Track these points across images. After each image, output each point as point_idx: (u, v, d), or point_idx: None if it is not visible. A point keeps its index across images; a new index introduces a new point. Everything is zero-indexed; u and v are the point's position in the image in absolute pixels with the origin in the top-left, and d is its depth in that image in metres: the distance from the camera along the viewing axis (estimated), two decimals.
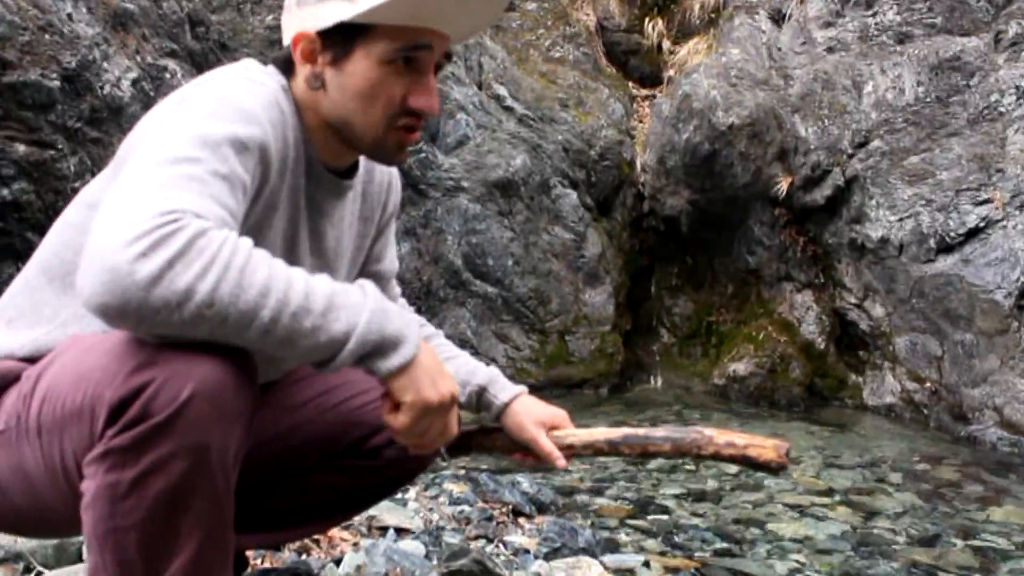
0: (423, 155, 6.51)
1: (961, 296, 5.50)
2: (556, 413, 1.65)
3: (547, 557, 2.62)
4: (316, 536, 2.34)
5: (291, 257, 1.15)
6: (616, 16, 8.42)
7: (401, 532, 2.62)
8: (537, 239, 6.80)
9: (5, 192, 4.37)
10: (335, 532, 2.44)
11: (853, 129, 6.25)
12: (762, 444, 1.43)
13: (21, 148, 4.41)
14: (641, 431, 1.50)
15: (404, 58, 1.34)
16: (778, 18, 7.20)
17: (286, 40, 1.40)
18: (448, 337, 1.80)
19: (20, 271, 1.43)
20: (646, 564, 2.81)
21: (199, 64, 5.54)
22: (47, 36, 4.52)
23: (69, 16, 4.67)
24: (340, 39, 1.34)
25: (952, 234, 5.59)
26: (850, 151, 6.24)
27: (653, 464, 4.22)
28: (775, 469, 1.43)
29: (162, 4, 5.38)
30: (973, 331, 5.46)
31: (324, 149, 1.42)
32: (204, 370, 1.07)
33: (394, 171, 1.71)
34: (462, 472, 3.60)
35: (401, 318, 1.21)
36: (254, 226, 1.30)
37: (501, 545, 2.71)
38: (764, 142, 6.63)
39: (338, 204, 1.50)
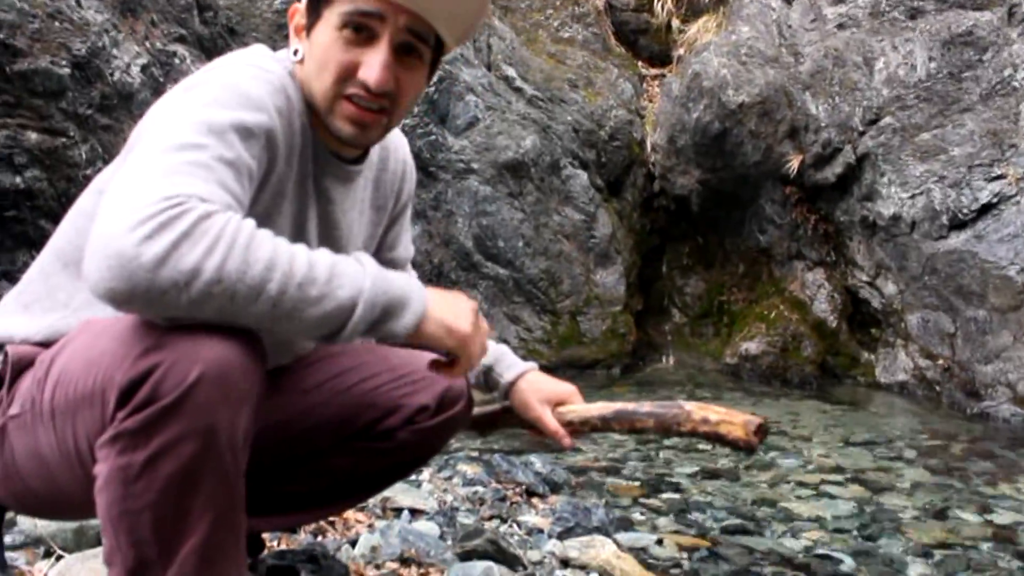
0: (433, 137, 6.51)
1: (974, 272, 5.48)
2: (564, 389, 1.66)
3: (561, 536, 2.64)
4: (331, 518, 2.36)
5: (300, 243, 1.15)
6: None
7: (415, 513, 2.64)
8: (548, 220, 6.80)
9: (18, 180, 4.39)
10: (350, 514, 2.46)
11: (864, 106, 6.21)
12: (732, 421, 1.41)
13: (33, 136, 4.43)
14: (630, 406, 1.51)
15: (355, 26, 1.31)
16: None
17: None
18: None
19: (33, 258, 1.45)
20: (659, 542, 2.83)
21: (208, 49, 5.54)
22: (56, 23, 4.53)
23: (78, 3, 4.68)
24: (313, 7, 1.35)
25: (965, 210, 5.56)
26: (861, 128, 6.21)
27: (667, 443, 4.23)
28: (743, 448, 1.41)
29: None
30: (986, 307, 5.44)
31: (330, 134, 1.42)
32: (211, 352, 1.08)
33: (408, 159, 1.71)
34: (476, 453, 3.63)
35: (400, 278, 1.22)
36: (263, 213, 1.31)
37: (515, 525, 2.73)
38: (774, 120, 6.60)
39: (346, 190, 1.50)
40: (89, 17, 4.71)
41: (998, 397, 5.35)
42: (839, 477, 3.86)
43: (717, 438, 1.43)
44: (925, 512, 3.40)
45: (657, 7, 8.25)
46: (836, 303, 6.62)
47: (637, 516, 3.18)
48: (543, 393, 1.63)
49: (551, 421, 1.55)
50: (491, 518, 2.77)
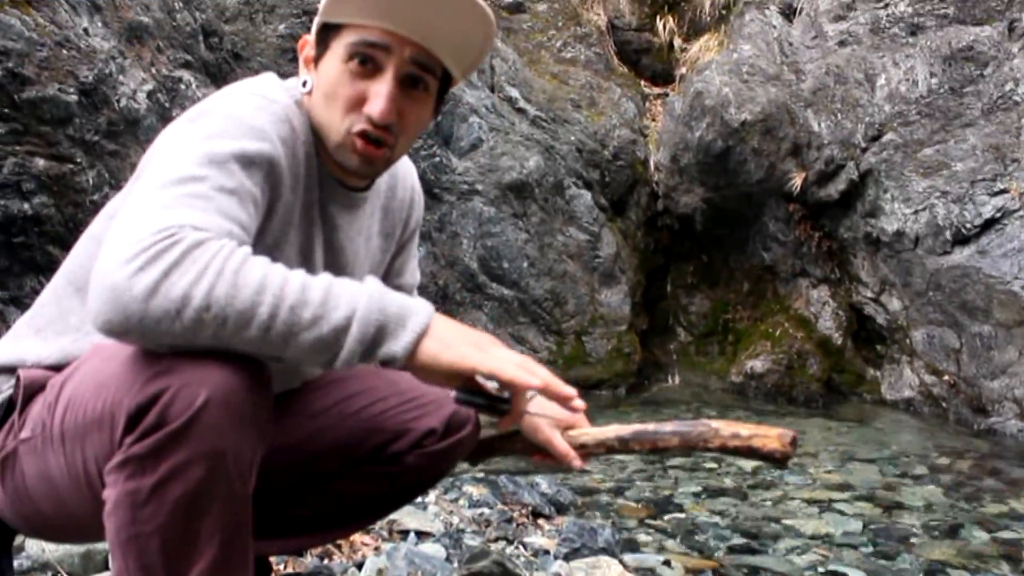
0: (437, 159, 6.54)
1: (978, 288, 5.48)
2: (581, 404, 1.65)
3: (567, 557, 2.64)
4: (338, 541, 2.37)
5: (306, 271, 1.16)
6: (627, 15, 8.42)
7: (422, 535, 2.64)
8: (552, 240, 6.82)
9: (26, 206, 4.43)
10: (357, 536, 2.47)
11: (866, 122, 6.24)
12: (766, 434, 1.40)
13: (41, 162, 4.47)
14: (651, 426, 1.48)
15: (361, 57, 1.33)
16: (789, 13, 7.20)
17: None
18: None
19: (41, 283, 1.47)
20: (666, 563, 2.82)
21: (213, 74, 5.59)
22: (64, 51, 4.57)
23: (85, 31, 4.73)
24: (321, 39, 1.37)
25: (968, 225, 5.57)
26: (864, 145, 6.23)
27: (672, 462, 4.23)
28: (779, 459, 1.40)
29: (176, 16, 5.44)
30: (991, 323, 5.44)
31: (334, 162, 1.44)
32: (218, 377, 1.10)
33: (417, 187, 1.72)
34: (481, 475, 3.63)
35: (405, 298, 1.18)
36: (272, 243, 1.33)
37: (521, 546, 2.73)
38: (777, 138, 6.62)
39: (352, 217, 1.52)
40: (96, 44, 4.76)
41: (1005, 413, 5.34)
42: (846, 495, 3.85)
43: (750, 451, 1.41)
44: (933, 529, 3.39)
45: (659, 26, 8.31)
46: (841, 320, 6.62)
47: (643, 537, 3.18)
48: (552, 416, 1.60)
49: (561, 443, 1.52)
50: (497, 540, 2.77)
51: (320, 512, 1.65)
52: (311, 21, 1.44)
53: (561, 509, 3.33)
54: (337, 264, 1.49)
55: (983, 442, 5.18)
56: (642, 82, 8.24)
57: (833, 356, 6.56)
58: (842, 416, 5.97)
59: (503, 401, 1.25)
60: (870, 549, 3.12)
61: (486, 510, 3.07)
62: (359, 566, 2.22)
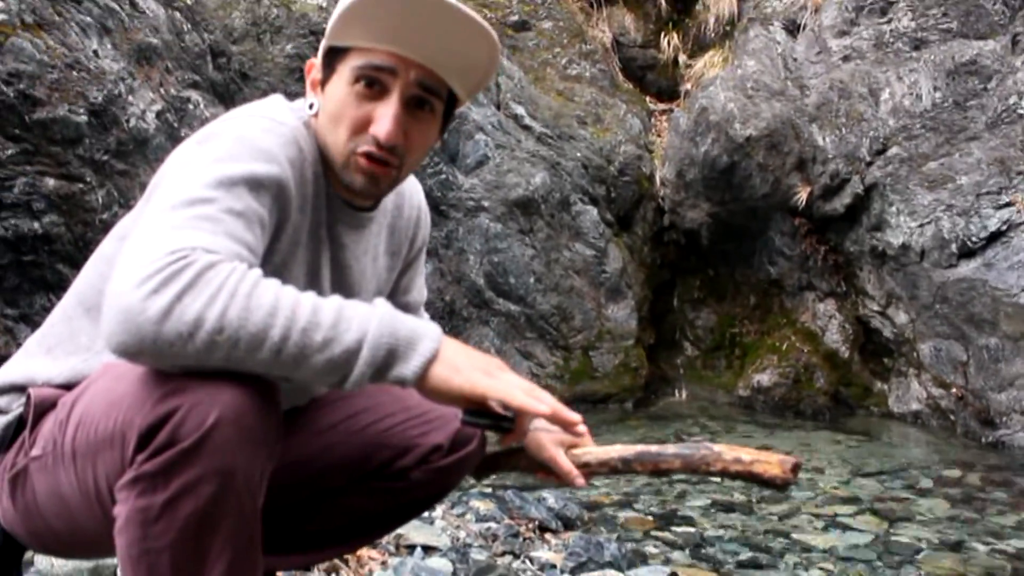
0: (443, 176, 6.58)
1: (984, 300, 5.48)
2: (585, 429, 1.66)
3: (573, 572, 2.65)
4: (345, 556, 2.38)
5: (313, 290, 1.17)
6: (631, 32, 8.47)
7: (428, 550, 2.66)
8: (558, 256, 6.84)
9: (36, 225, 4.47)
10: (364, 551, 2.48)
11: (871, 136, 6.26)
12: (768, 460, 1.41)
13: (51, 182, 4.52)
14: (653, 448, 1.49)
15: (368, 80, 1.35)
16: (793, 28, 7.23)
17: None
18: None
19: (51, 302, 1.50)
20: None
21: (221, 95, 5.64)
22: (74, 73, 4.63)
23: (95, 52, 4.79)
24: (328, 62, 1.40)
25: (974, 238, 5.57)
26: (868, 159, 6.25)
27: (679, 476, 4.23)
28: (780, 485, 1.41)
29: (184, 37, 5.49)
30: (998, 335, 5.44)
31: (341, 183, 1.47)
32: (228, 396, 1.11)
33: (423, 206, 1.73)
34: (489, 490, 3.64)
35: (416, 321, 1.19)
36: (280, 263, 1.35)
37: (528, 561, 2.74)
38: (782, 153, 6.64)
39: (359, 237, 1.54)
40: (105, 66, 4.81)
41: (1013, 425, 5.32)
42: (853, 508, 3.85)
43: (751, 476, 1.42)
44: (940, 543, 3.39)
45: (663, 43, 8.35)
46: (848, 333, 6.62)
47: (651, 550, 3.19)
48: (555, 435, 1.58)
49: (565, 461, 1.52)
50: (504, 554, 2.78)
51: (328, 527, 1.66)
52: (318, 41, 1.46)
53: (568, 523, 3.34)
54: (344, 283, 1.51)
55: (991, 454, 5.17)
56: (647, 98, 8.27)
57: (840, 369, 6.56)
58: (849, 429, 5.96)
59: (507, 420, 1.27)
60: (877, 563, 3.12)
61: (493, 524, 3.08)
62: None
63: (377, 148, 1.36)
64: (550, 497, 3.47)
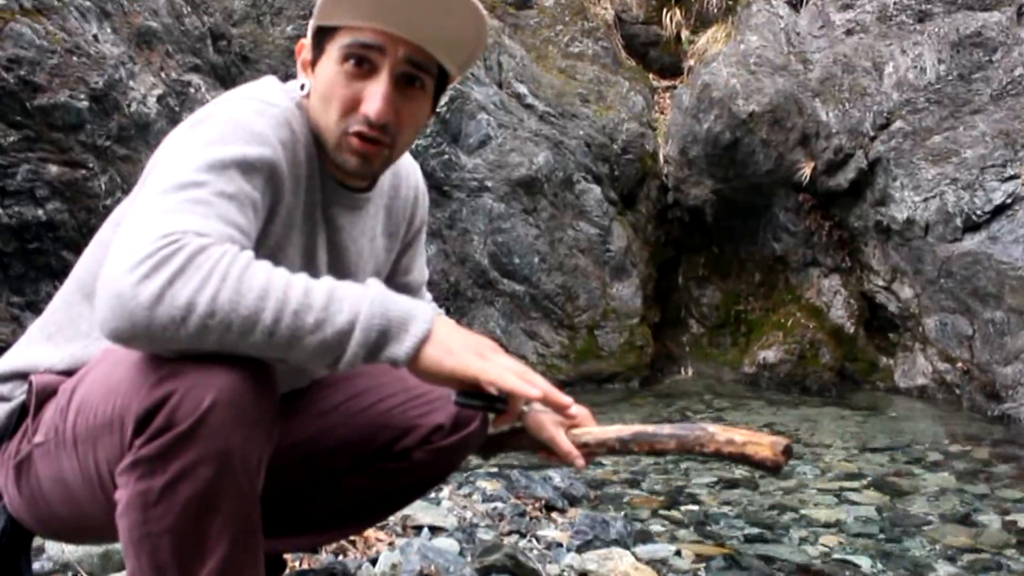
0: (446, 156, 6.57)
1: (989, 274, 5.46)
2: (577, 411, 1.66)
3: (579, 550, 2.66)
4: (352, 537, 2.40)
5: (310, 272, 1.17)
6: (634, 8, 8.42)
7: (435, 530, 2.67)
8: (562, 235, 6.83)
9: (40, 212, 4.48)
10: (370, 532, 2.50)
11: (875, 111, 6.22)
12: (760, 442, 1.41)
13: (53, 169, 4.52)
14: (650, 428, 1.50)
15: (356, 58, 1.35)
16: (796, 2, 7.18)
17: None
18: None
19: (56, 288, 1.50)
20: (678, 553, 2.84)
21: (222, 77, 5.63)
22: (75, 58, 4.62)
23: (95, 37, 4.77)
24: (316, 42, 1.40)
25: (978, 212, 5.55)
26: (872, 133, 6.21)
27: (687, 455, 4.23)
28: (771, 468, 1.41)
29: (184, 20, 5.47)
30: (1003, 308, 5.43)
31: (335, 163, 1.46)
32: (224, 379, 1.12)
33: (421, 186, 1.73)
34: (495, 470, 3.65)
35: (409, 301, 1.19)
36: (275, 245, 1.35)
37: (534, 539, 2.75)
38: (785, 128, 6.61)
39: (355, 218, 1.54)
40: (106, 51, 4.80)
41: (1019, 398, 5.32)
42: (859, 483, 3.85)
43: (743, 458, 1.43)
44: (947, 516, 3.39)
45: (666, 19, 8.30)
46: (853, 309, 6.62)
47: (657, 528, 3.20)
48: (557, 415, 1.61)
49: (565, 442, 1.53)
50: (510, 533, 2.79)
51: (332, 509, 1.68)
52: None
53: (574, 502, 3.35)
54: (341, 265, 1.51)
55: (997, 428, 5.17)
56: (650, 75, 8.23)
57: (845, 345, 6.55)
58: (855, 404, 5.97)
59: (500, 401, 1.28)
60: (883, 537, 3.13)
61: (499, 504, 3.09)
62: (373, 561, 2.25)
63: (368, 127, 1.35)
64: (556, 476, 3.48)
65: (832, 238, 6.75)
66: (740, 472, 3.92)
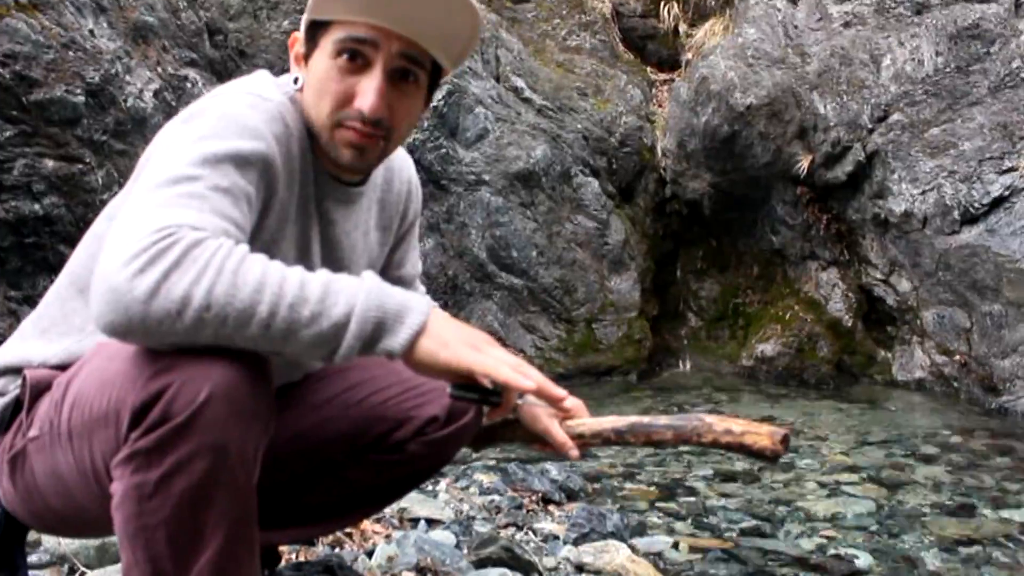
0: (443, 150, 6.56)
1: (988, 267, 5.46)
2: (572, 403, 1.66)
3: (576, 542, 2.67)
4: (348, 529, 2.40)
5: (304, 267, 1.17)
6: (631, 2, 8.40)
7: (432, 523, 2.68)
8: (560, 229, 6.83)
9: (37, 207, 4.48)
10: (367, 525, 2.50)
11: (872, 103, 6.22)
12: (758, 432, 1.41)
13: (50, 163, 4.51)
14: (646, 419, 1.50)
15: (350, 53, 1.34)
16: None
17: None
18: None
19: (53, 283, 1.50)
20: (675, 546, 2.85)
21: (219, 72, 5.62)
22: (71, 53, 4.61)
23: (91, 32, 4.77)
24: (310, 36, 1.39)
25: (976, 204, 5.55)
26: (870, 126, 6.21)
27: (684, 447, 4.24)
28: (770, 457, 1.41)
29: (180, 15, 5.47)
30: (1001, 301, 5.43)
31: (329, 157, 1.46)
32: (219, 372, 1.12)
33: (414, 179, 1.74)
34: (492, 462, 3.66)
35: (404, 293, 1.19)
36: (269, 240, 1.35)
37: (531, 532, 2.76)
38: (783, 121, 6.61)
39: (348, 212, 1.54)
40: (102, 45, 4.80)
41: (1016, 391, 5.33)
42: (856, 476, 3.86)
43: (741, 448, 1.44)
44: (944, 509, 3.40)
45: (663, 12, 8.28)
46: (851, 302, 6.62)
47: (654, 520, 3.20)
48: (551, 407, 1.64)
49: (559, 433, 1.52)
50: (507, 526, 2.79)
51: (327, 501, 1.68)
52: None
53: (571, 495, 3.36)
54: (335, 259, 1.51)
55: (995, 421, 5.18)
56: (648, 68, 8.22)
57: (843, 338, 6.56)
58: (853, 398, 5.97)
59: (494, 394, 1.28)
60: (880, 530, 3.14)
61: (496, 497, 3.10)
62: (369, 554, 2.25)
63: (362, 122, 1.36)
64: (553, 469, 3.49)
65: (830, 231, 6.75)
66: (739, 465, 3.93)
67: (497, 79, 7.01)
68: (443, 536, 2.51)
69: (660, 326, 7.31)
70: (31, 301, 4.42)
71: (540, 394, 1.26)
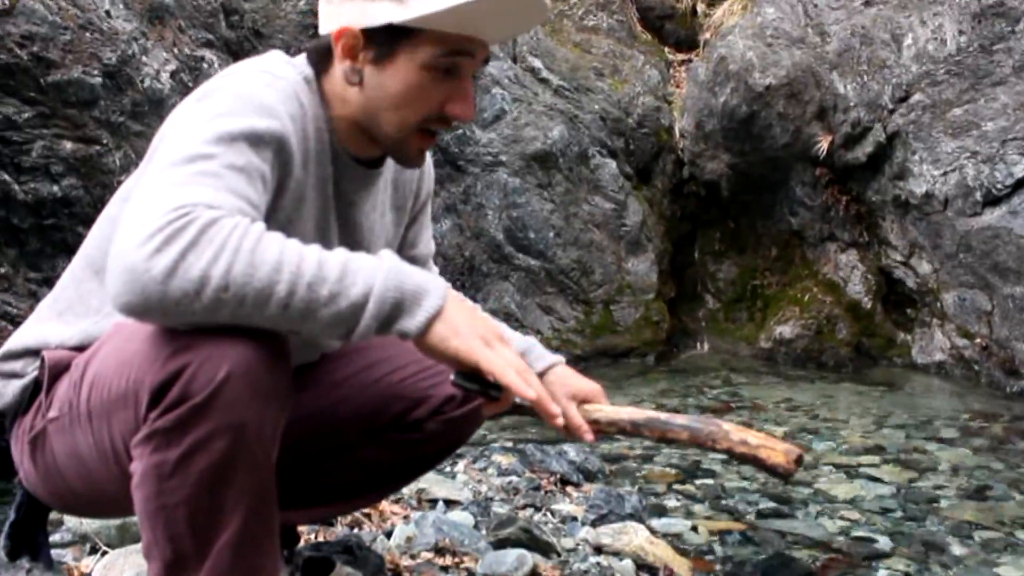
0: (460, 131, 6.54)
1: (1010, 249, 5.40)
2: (590, 387, 1.64)
3: (594, 524, 2.67)
4: (367, 510, 2.41)
5: (322, 247, 1.17)
6: None
7: (450, 504, 2.68)
8: (577, 210, 6.81)
9: (55, 189, 4.49)
10: (385, 506, 2.51)
11: (893, 83, 6.14)
12: (773, 447, 1.42)
13: (68, 145, 4.53)
14: (663, 416, 1.50)
15: (447, 67, 1.36)
16: None
17: (325, 29, 1.41)
18: (492, 312, 1.83)
19: (69, 265, 1.50)
20: (694, 528, 2.84)
21: (235, 53, 5.61)
22: (87, 34, 4.61)
23: (107, 13, 4.76)
24: (386, 39, 1.35)
25: (999, 186, 5.48)
26: (891, 106, 6.14)
27: None
28: (782, 474, 1.43)
29: None
30: (1023, 284, 5.37)
31: (350, 139, 1.45)
32: (238, 351, 1.12)
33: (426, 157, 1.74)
34: (510, 444, 3.66)
35: (423, 274, 1.19)
36: (285, 220, 1.34)
37: (549, 513, 2.76)
38: (802, 101, 6.54)
39: (367, 194, 1.53)
40: (118, 26, 4.79)
41: None
42: (876, 459, 3.84)
43: (755, 460, 1.44)
44: (964, 492, 3.38)
45: None
46: (870, 284, 6.56)
47: (672, 503, 3.20)
48: (570, 388, 1.62)
49: (575, 415, 1.52)
50: (525, 507, 2.80)
51: (344, 481, 1.68)
52: None
53: (589, 476, 3.35)
54: (353, 240, 1.50)
55: (1016, 404, 5.13)
56: (666, 49, 8.15)
57: (863, 320, 6.51)
58: (872, 380, 5.94)
59: (496, 389, 1.27)
60: (899, 513, 3.12)
61: (514, 478, 3.10)
62: (388, 534, 2.26)
63: (446, 124, 1.42)
64: (571, 451, 3.48)
65: (849, 212, 6.69)
66: None
67: (514, 60, 6.98)
68: (462, 517, 2.51)
69: (678, 308, 7.29)
70: (50, 283, 4.43)
71: (536, 406, 1.26)
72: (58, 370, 1.34)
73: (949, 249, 5.80)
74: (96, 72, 4.60)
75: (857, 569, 2.56)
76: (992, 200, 5.51)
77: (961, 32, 5.90)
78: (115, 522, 2.06)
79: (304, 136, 1.36)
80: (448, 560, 2.14)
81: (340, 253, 1.15)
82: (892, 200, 6.24)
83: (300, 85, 1.38)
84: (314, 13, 1.44)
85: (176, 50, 5.14)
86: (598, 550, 2.44)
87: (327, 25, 1.41)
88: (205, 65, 5.30)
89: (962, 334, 5.85)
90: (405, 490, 2.65)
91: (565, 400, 1.53)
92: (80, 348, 1.35)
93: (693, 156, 7.27)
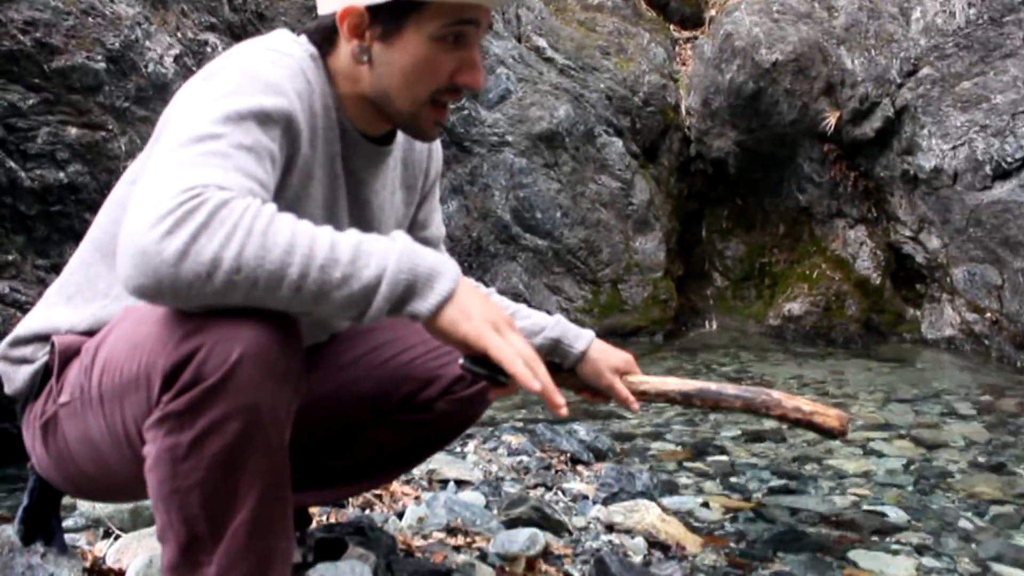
0: (466, 112, 6.52)
1: (1020, 223, 5.37)
2: (625, 358, 1.73)
3: (605, 502, 2.66)
4: (378, 491, 2.41)
5: (332, 226, 1.16)
6: None
7: (461, 484, 2.68)
8: (584, 189, 6.79)
9: (61, 175, 4.49)
10: (397, 487, 2.51)
11: (901, 58, 6.10)
12: (826, 412, 1.58)
13: (73, 131, 4.51)
14: (714, 386, 1.61)
15: (456, 35, 1.36)
16: None
17: (325, 10, 1.40)
18: (500, 292, 1.83)
19: (76, 250, 1.49)
20: (705, 505, 2.84)
21: (238, 36, 5.59)
22: (90, 19, 4.59)
23: None
24: (392, 15, 1.35)
25: (1009, 159, 5.44)
26: (899, 80, 6.10)
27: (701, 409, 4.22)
28: (836, 435, 1.60)
29: None
30: None
31: (359, 118, 1.44)
32: (251, 333, 1.11)
33: None
34: (520, 424, 3.66)
35: (436, 257, 1.18)
36: (292, 198, 1.33)
37: (560, 492, 2.76)
38: (810, 77, 6.50)
39: (377, 171, 1.52)
40: (121, 11, 4.77)
41: None
42: (886, 434, 3.83)
43: (809, 425, 1.60)
44: (975, 467, 3.37)
45: None
46: (879, 260, 6.54)
47: (683, 480, 3.19)
48: (611, 362, 1.70)
49: (622, 389, 1.61)
50: (536, 486, 2.80)
51: (355, 462, 1.68)
52: None
53: (600, 455, 3.35)
54: (364, 219, 1.50)
55: None
56: (671, 26, 8.11)
57: (872, 296, 6.49)
58: (882, 356, 5.92)
59: (503, 374, 1.27)
60: (911, 487, 3.11)
61: (525, 458, 3.10)
62: (400, 515, 2.26)
63: (457, 95, 1.42)
64: (581, 430, 3.48)
65: (858, 188, 6.66)
66: (768, 424, 3.91)
67: (519, 39, 6.94)
68: (473, 497, 2.51)
69: (686, 286, 7.28)
70: (58, 269, 4.43)
71: (542, 396, 1.26)
72: (68, 355, 1.34)
73: (958, 224, 5.77)
74: (100, 57, 4.59)
75: (870, 543, 2.55)
76: (1002, 174, 5.48)
77: (970, 4, 5.85)
78: (128, 506, 2.06)
79: (311, 113, 1.35)
80: (460, 540, 2.14)
81: (352, 234, 1.14)
82: (901, 175, 6.21)
83: (306, 62, 1.37)
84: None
85: (179, 34, 5.12)
86: (610, 528, 2.44)
87: (326, 6, 1.40)
88: (208, 49, 5.28)
89: (972, 309, 5.83)
90: (416, 471, 2.65)
91: (610, 374, 1.60)
92: (90, 332, 1.34)
93: (700, 134, 7.24)
